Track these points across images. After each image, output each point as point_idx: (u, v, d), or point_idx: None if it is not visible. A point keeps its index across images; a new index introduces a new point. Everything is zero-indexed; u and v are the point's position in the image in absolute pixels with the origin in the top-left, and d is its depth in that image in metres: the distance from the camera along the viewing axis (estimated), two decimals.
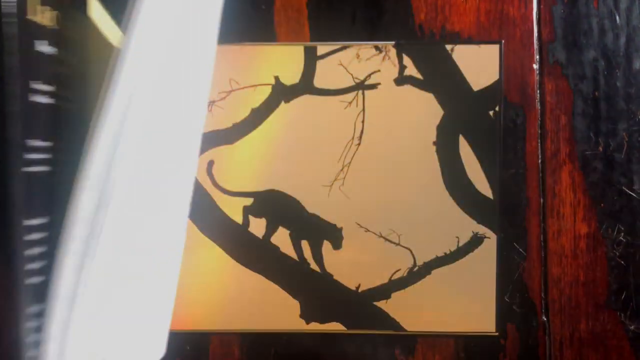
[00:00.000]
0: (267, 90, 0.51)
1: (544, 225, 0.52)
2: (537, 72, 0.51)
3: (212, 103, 0.50)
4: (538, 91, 0.51)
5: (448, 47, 0.50)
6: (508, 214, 0.52)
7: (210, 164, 0.51)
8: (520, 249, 0.52)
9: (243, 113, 0.51)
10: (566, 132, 0.52)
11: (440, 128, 0.50)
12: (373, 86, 0.50)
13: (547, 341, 0.52)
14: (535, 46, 0.51)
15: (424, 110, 0.50)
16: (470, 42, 0.51)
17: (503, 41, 0.51)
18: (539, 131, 0.52)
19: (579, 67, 0.51)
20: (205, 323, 0.51)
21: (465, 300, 0.51)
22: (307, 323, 0.51)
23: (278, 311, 0.51)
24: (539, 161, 0.52)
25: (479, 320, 0.51)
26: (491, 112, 0.50)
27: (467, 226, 0.51)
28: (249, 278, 0.51)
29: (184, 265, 0.48)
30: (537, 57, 0.51)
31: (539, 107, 0.52)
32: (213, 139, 0.51)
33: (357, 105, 0.50)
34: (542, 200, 0.52)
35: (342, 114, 0.50)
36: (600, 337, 0.52)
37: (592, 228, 0.52)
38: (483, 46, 0.50)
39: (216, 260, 0.51)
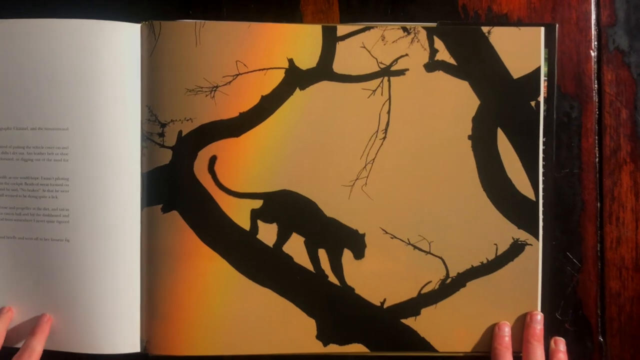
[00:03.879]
0: (280, 75, 0.48)
1: (601, 233, 0.50)
2: (595, 59, 0.50)
3: (215, 88, 0.48)
4: (596, 81, 0.50)
5: (484, 29, 0.48)
6: (560, 219, 0.50)
7: (213, 159, 0.48)
8: (574, 259, 0.50)
9: (251, 101, 0.48)
10: (627, 128, 0.50)
11: (476, 120, 0.48)
12: (400, 72, 0.48)
13: None
14: (593, 31, 0.50)
15: (458, 99, 0.48)
16: (521, 25, 0.49)
17: (557, 25, 0.49)
18: (597, 126, 0.50)
19: None
20: (207, 347, 0.49)
21: (505, 317, 0.48)
22: (325, 345, 0.49)
23: (291, 332, 0.49)
24: (596, 160, 0.50)
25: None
26: (533, 103, 0.48)
27: (506, 232, 0.48)
28: (258, 293, 0.48)
29: (182, 279, 0.48)
30: (595, 43, 0.50)
31: (597, 100, 0.50)
32: (216, 131, 0.48)
33: (382, 94, 0.48)
34: (599, 204, 0.50)
35: (365, 104, 0.48)
36: None
37: None
38: (524, 29, 0.48)
39: (219, 273, 0.48)
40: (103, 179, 0.47)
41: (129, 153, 0.47)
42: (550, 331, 0.48)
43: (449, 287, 0.48)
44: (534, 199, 0.48)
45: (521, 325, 0.48)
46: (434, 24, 0.48)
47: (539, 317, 0.47)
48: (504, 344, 0.47)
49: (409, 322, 0.48)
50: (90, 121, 0.46)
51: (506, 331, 0.47)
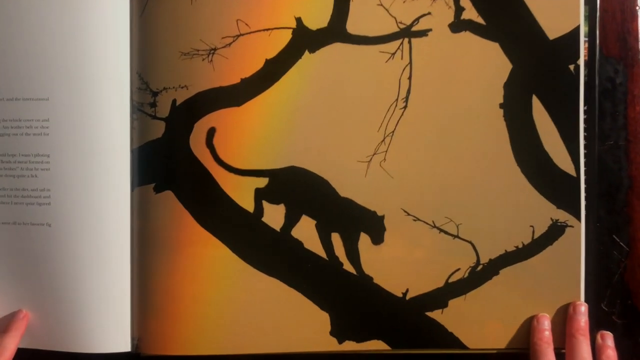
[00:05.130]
0: (287, 36, 0.46)
1: None
2: None
3: (213, 51, 0.46)
4: None
5: None
6: (605, 198, 0.48)
7: (211, 132, 0.46)
8: (621, 243, 0.48)
9: (255, 65, 0.46)
10: None
11: (509, 86, 0.46)
12: (422, 33, 0.46)
13: None
14: None
15: (488, 64, 0.46)
16: None
17: None
18: None
19: None
20: (207, 345, 0.47)
21: (544, 308, 0.46)
22: (340, 342, 0.47)
23: (302, 327, 0.47)
24: None
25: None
26: (572, 67, 0.46)
27: (544, 212, 0.46)
28: (263, 284, 0.47)
29: (178, 269, 0.47)
30: None
31: None
32: (215, 99, 0.46)
33: (402, 58, 0.46)
34: None
35: (383, 69, 0.46)
36: None
37: None
38: None
39: (220, 261, 0.47)
40: (88, 156, 0.45)
41: (117, 126, 0.46)
42: (596, 324, 0.46)
43: (480, 275, 0.46)
44: (574, 174, 0.46)
45: (562, 318, 0.46)
46: None
47: (583, 308, 0.44)
48: (544, 339, 0.44)
49: (434, 315, 0.47)
50: (74, 90, 0.45)
51: (546, 324, 0.44)
